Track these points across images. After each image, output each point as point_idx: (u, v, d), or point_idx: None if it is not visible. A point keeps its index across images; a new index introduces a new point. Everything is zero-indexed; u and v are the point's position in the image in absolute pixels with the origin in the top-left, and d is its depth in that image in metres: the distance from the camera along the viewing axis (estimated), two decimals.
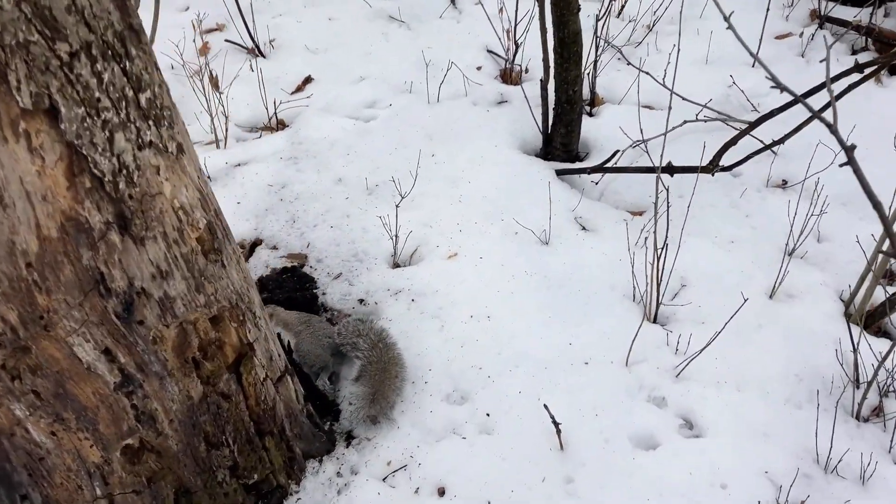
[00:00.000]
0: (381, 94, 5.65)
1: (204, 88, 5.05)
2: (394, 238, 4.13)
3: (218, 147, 5.20)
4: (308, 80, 6.07)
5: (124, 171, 1.99)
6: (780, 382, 3.46)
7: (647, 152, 3.87)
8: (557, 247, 4.24)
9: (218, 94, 5.11)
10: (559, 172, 4.81)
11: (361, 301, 3.97)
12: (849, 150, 1.67)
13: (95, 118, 1.85)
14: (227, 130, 5.24)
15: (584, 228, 4.42)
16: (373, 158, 4.93)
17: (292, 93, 5.92)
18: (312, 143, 5.02)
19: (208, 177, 4.63)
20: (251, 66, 5.70)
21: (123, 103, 1.94)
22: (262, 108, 5.40)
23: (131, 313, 2.13)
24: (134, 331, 2.16)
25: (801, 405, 3.39)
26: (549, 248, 4.23)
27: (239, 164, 4.89)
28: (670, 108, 3.48)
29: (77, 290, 1.95)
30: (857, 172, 1.69)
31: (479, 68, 6.07)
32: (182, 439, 2.42)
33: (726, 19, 2.10)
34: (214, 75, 5.09)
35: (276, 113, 5.43)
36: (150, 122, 2.06)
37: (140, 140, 2.02)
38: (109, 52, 1.86)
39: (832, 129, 1.70)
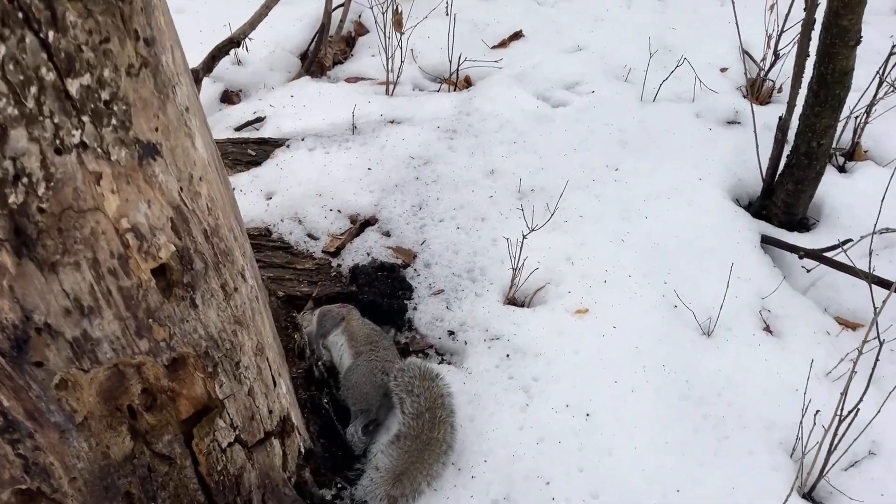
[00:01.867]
0: (590, 73, 4.77)
1: (385, 25, 4.49)
2: (515, 270, 3.39)
3: (387, 93, 4.67)
4: (517, 35, 5.33)
5: (25, 180, 1.46)
6: None
7: None
8: (720, 344, 3.27)
9: (399, 35, 4.52)
10: (765, 239, 3.74)
11: (451, 334, 3.31)
12: None
13: None
14: (397, 78, 4.68)
15: (766, 328, 3.38)
16: (542, 155, 4.14)
17: (493, 46, 5.21)
18: (480, 118, 4.31)
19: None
20: (446, 8, 5.04)
21: (32, 90, 1.39)
22: (456, 55, 4.75)
23: (23, 352, 1.64)
24: (26, 372, 1.68)
25: None
26: (708, 343, 3.27)
27: (393, 122, 4.32)
28: None
29: None
30: None
31: (722, 70, 4.96)
32: (87, 501, 1.96)
33: None
34: (399, 11, 4.50)
35: (458, 69, 4.76)
36: (84, 119, 1.49)
37: (59, 141, 1.48)
38: (17, 15, 1.31)
39: None
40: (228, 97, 4.94)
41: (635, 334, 3.28)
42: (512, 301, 3.48)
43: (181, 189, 1.81)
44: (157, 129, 1.72)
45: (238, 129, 4.45)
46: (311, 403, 2.64)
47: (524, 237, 3.32)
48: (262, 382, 2.24)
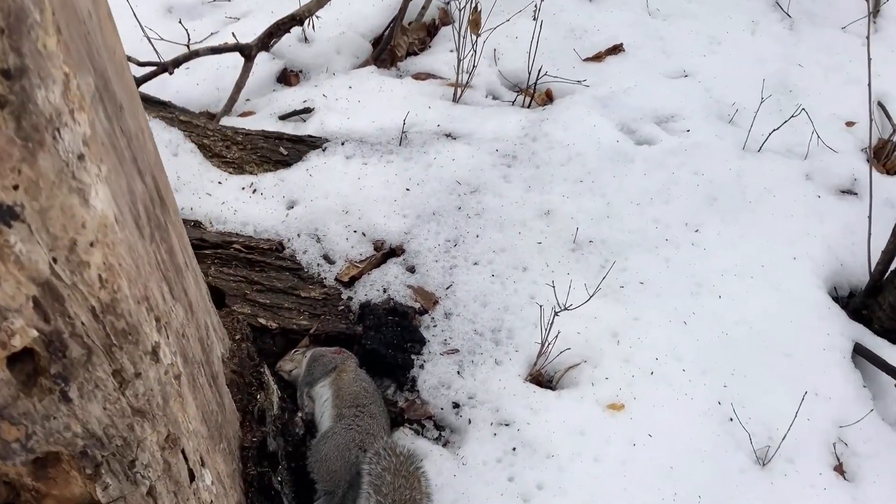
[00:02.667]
0: (690, 108, 4.15)
1: (461, 22, 4.00)
2: (543, 344, 2.89)
3: (454, 98, 4.19)
4: (616, 49, 4.73)
5: None
6: None
7: None
8: (776, 479, 2.69)
9: (474, 37, 4.02)
10: (860, 350, 3.10)
11: (456, 407, 2.86)
12: None
13: None
14: (468, 82, 4.19)
15: (839, 467, 2.78)
16: (610, 201, 3.59)
17: (586, 59, 4.64)
18: (546, 146, 3.78)
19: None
20: (534, 12, 4.48)
21: None
22: (538, 63, 4.22)
23: None
24: None
25: None
26: (761, 476, 2.70)
27: (449, 136, 3.85)
28: None
29: None
30: None
31: (849, 124, 4.25)
32: None
33: None
34: (479, 9, 3.99)
35: (536, 82, 4.23)
36: None
37: None
38: None
39: None
40: (286, 77, 4.57)
41: (674, 449, 2.74)
42: (536, 378, 2.98)
43: (54, 260, 1.41)
44: (15, 188, 1.31)
45: (283, 117, 4.08)
46: (260, 483, 2.26)
47: (555, 314, 2.80)
48: (171, 479, 1.85)
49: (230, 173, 3.51)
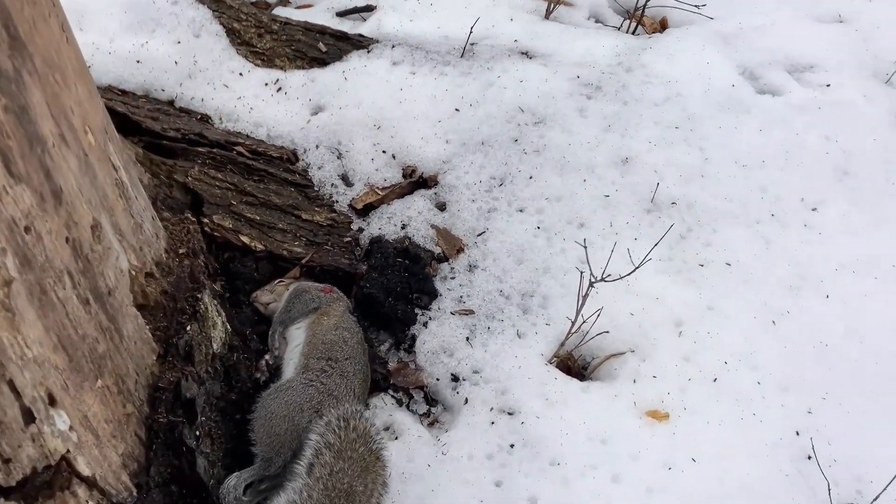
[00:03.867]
0: (836, 58, 3.35)
1: None
2: (576, 319, 2.29)
3: (546, 13, 3.56)
4: None
5: None
6: None
7: None
8: None
9: None
10: None
11: (455, 381, 2.33)
12: None
13: None
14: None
15: None
16: (709, 157, 2.90)
17: None
18: (642, 79, 3.11)
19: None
20: None
21: None
22: None
23: None
24: None
25: None
26: None
27: (525, 54, 3.23)
28: None
29: None
30: None
31: None
32: None
33: None
34: None
35: (645, 4, 3.52)
36: None
37: None
38: None
39: None
40: None
41: (721, 483, 2.11)
42: (565, 362, 2.40)
43: None
44: None
45: (341, 14, 3.57)
46: (169, 435, 1.82)
47: (591, 284, 2.19)
48: None
49: (256, 65, 3.04)
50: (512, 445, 2.17)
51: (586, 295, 2.20)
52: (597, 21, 3.77)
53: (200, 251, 2.10)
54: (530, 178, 2.80)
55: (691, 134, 2.95)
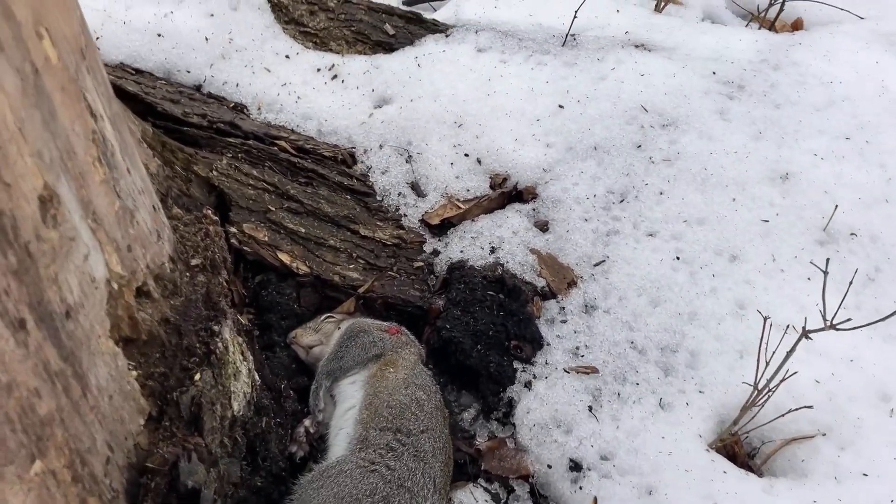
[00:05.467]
0: None
1: None
2: (755, 389, 1.60)
3: (656, 7, 2.95)
4: None
5: None
6: None
7: None
8: None
9: None
10: None
11: (574, 470, 1.64)
12: None
13: None
14: None
15: None
16: (892, 176, 2.22)
17: None
18: (795, 79, 2.47)
19: None
20: None
21: None
22: None
23: None
24: None
25: None
26: None
27: (640, 47, 2.60)
28: None
29: None
30: None
31: None
32: None
33: None
34: None
35: (783, 3, 2.89)
36: None
37: None
38: None
39: None
40: None
41: None
42: (730, 448, 1.69)
43: None
44: None
45: (409, 2, 3.00)
46: None
47: (803, 336, 1.51)
48: None
49: (306, 47, 2.45)
50: None
51: (789, 352, 1.51)
52: (713, 23, 3.15)
53: (223, 265, 1.45)
54: (661, 193, 2.14)
55: (867, 147, 2.29)
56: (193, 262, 1.40)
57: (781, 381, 1.58)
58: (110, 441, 1.12)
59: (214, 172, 1.87)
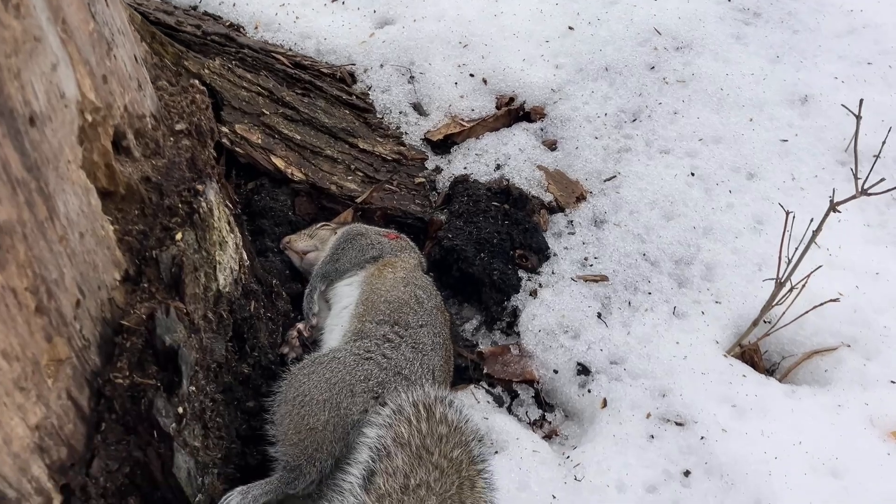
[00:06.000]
0: None
1: None
2: (774, 297, 1.51)
3: None
4: None
5: None
6: None
7: None
8: None
9: None
10: None
11: (583, 373, 1.55)
12: None
13: None
14: None
15: None
16: None
17: None
18: (815, 7, 2.39)
19: None
20: None
21: None
22: None
23: None
24: None
25: None
26: None
27: None
28: None
29: None
30: None
31: None
32: None
33: None
34: None
35: None
36: None
37: None
38: None
39: None
40: None
41: None
42: (749, 355, 1.60)
43: None
44: None
45: None
46: (131, 409, 1.05)
47: (832, 207, 1.43)
48: None
49: None
50: (687, 473, 1.37)
51: (799, 257, 1.42)
52: None
53: (209, 136, 1.37)
54: (675, 113, 2.06)
55: (890, 71, 2.20)
56: (178, 126, 1.31)
57: (808, 276, 1.49)
58: (81, 283, 1.04)
59: (206, 70, 1.79)
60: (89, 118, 1.05)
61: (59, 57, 0.97)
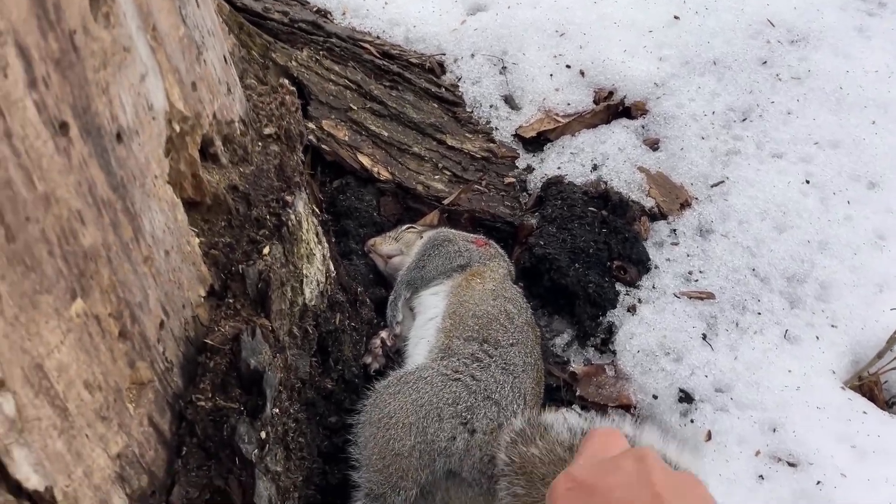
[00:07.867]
0: None
1: None
2: None
3: None
4: None
5: None
6: None
7: None
8: None
9: None
10: None
11: (684, 400, 1.45)
12: None
13: None
14: None
15: None
16: None
17: None
18: None
19: None
20: None
21: None
22: None
23: None
24: None
25: None
26: None
27: None
28: None
29: None
30: None
31: None
32: None
33: None
34: None
35: None
36: None
37: None
38: None
39: None
40: None
41: None
42: (868, 388, 1.47)
43: None
44: None
45: None
46: (213, 433, 1.01)
47: None
48: None
49: None
50: None
51: None
52: None
53: (299, 140, 1.31)
54: (789, 113, 1.91)
55: None
56: (267, 130, 1.26)
57: None
58: (165, 303, 0.99)
59: (294, 62, 1.73)
60: (177, 128, 1.00)
61: (149, 67, 0.92)
